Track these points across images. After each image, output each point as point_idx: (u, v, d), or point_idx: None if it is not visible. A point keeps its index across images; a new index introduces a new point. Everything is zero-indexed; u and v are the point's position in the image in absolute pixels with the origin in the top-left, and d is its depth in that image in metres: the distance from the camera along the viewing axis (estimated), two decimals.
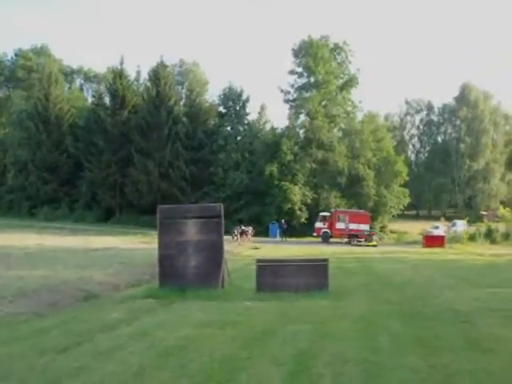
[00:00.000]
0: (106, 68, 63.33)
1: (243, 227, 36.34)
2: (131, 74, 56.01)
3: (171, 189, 46.86)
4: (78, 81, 72.61)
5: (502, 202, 67.34)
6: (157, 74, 51.16)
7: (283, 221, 42.37)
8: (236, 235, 34.26)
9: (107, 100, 53.98)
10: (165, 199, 40.32)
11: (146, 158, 47.75)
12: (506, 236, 34.14)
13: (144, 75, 57.09)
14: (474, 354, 6.42)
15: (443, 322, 8.50)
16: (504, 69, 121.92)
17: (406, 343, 7.04)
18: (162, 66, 52.35)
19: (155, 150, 48.13)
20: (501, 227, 35.95)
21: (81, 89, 70.68)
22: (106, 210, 51.03)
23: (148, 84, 53.54)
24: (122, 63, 52.83)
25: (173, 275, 12.07)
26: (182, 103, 56.71)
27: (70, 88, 65.27)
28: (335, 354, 6.39)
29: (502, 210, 39.81)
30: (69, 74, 69.48)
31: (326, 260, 12.63)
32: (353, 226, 39.92)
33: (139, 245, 27.14)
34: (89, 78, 71.73)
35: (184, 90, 62.43)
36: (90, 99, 64.76)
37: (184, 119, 50.95)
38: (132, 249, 24.37)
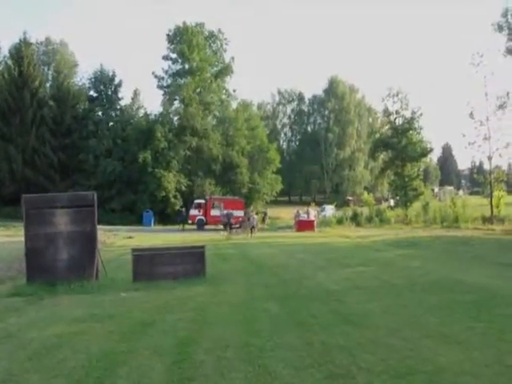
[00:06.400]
0: None
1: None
2: None
3: (37, 177, 43.99)
4: None
5: (365, 188, 72.90)
6: (19, 52, 47.18)
7: (183, 209, 41.46)
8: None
9: None
10: (30, 188, 37.62)
11: (7, 144, 44.20)
12: (369, 219, 36.77)
13: (4, 52, 52.30)
14: (347, 329, 6.87)
15: (317, 302, 8.96)
16: (368, 65, 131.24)
17: (284, 324, 7.29)
18: (25, 43, 48.38)
19: (18, 136, 44.75)
20: (365, 211, 38.63)
21: None
22: None
23: (9, 62, 48.82)
24: None
25: (42, 269, 11.30)
26: (48, 85, 53.13)
27: None
28: (216, 339, 6.44)
29: (365, 196, 42.77)
30: None
31: (202, 247, 12.63)
32: None
33: (1, 238, 25.03)
34: None
35: (50, 72, 58.59)
36: None
37: (51, 103, 47.96)
38: None
